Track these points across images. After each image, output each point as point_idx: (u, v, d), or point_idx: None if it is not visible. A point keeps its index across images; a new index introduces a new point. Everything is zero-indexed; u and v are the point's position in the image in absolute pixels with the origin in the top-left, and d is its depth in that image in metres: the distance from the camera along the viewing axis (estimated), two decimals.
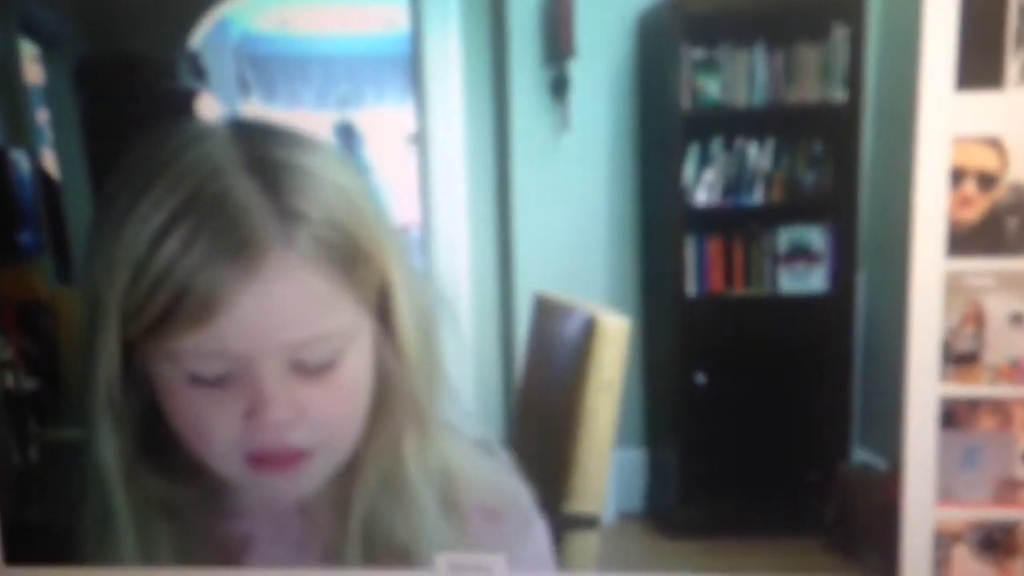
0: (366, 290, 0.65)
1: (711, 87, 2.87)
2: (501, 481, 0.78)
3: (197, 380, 0.65)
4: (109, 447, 0.68)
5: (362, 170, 0.65)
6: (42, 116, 5.76)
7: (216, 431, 0.65)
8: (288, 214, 0.60)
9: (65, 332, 3.13)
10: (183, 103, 6.70)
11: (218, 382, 0.64)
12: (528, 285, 2.89)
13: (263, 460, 0.67)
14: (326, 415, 0.67)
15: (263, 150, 0.64)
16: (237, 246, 0.59)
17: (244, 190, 0.60)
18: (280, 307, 0.61)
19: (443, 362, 0.75)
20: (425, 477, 0.73)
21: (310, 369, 0.64)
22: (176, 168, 0.62)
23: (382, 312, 0.68)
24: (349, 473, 0.74)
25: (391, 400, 0.71)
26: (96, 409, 0.67)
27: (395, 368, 0.70)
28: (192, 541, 0.73)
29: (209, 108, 7.84)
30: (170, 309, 0.60)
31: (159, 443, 0.68)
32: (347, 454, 0.73)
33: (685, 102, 2.86)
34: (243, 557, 0.71)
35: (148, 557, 0.71)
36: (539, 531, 0.84)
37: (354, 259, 0.63)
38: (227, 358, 0.62)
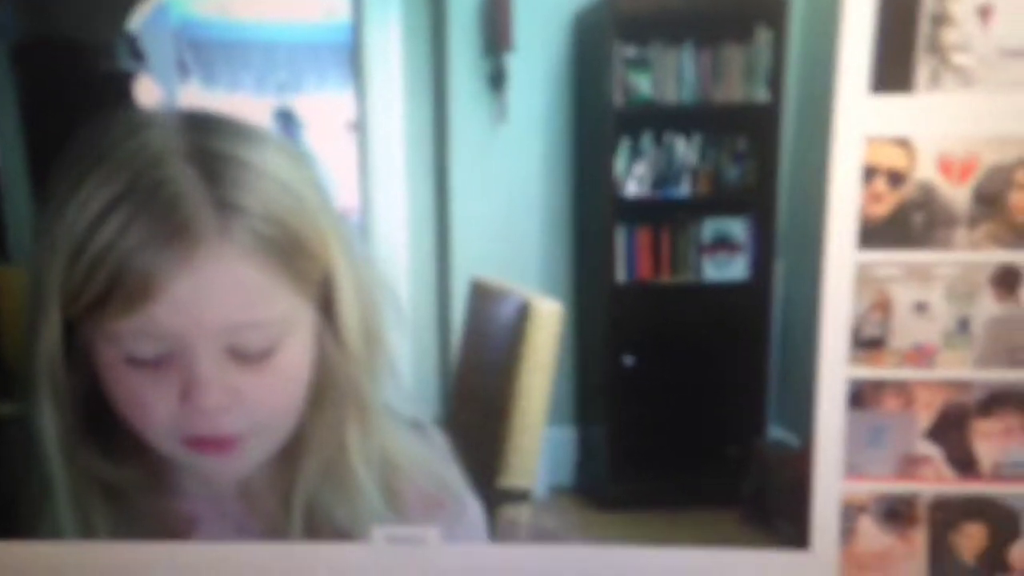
0: (307, 282, 0.65)
1: (643, 84, 2.92)
2: (438, 468, 0.82)
3: (134, 361, 0.64)
4: (50, 423, 0.68)
5: (309, 162, 0.64)
6: None
7: (152, 411, 0.65)
8: (225, 205, 0.61)
9: (4, 308, 3.09)
10: (121, 85, 6.57)
11: (155, 364, 0.64)
12: (465, 270, 2.91)
13: (198, 443, 0.67)
14: (261, 401, 0.66)
15: (205, 141, 0.63)
16: (172, 232, 0.60)
17: (182, 179, 0.61)
18: (214, 293, 0.62)
19: (387, 352, 0.75)
20: (367, 465, 0.73)
21: (246, 356, 0.64)
22: (117, 154, 0.63)
23: (324, 303, 0.68)
24: (290, 458, 0.72)
25: (332, 389, 0.70)
26: (38, 386, 0.68)
27: (337, 359, 0.70)
28: (133, 521, 0.71)
29: (148, 91, 7.68)
30: (107, 291, 0.61)
31: (100, 422, 0.68)
32: (284, 439, 0.71)
33: (618, 98, 2.90)
34: (185, 537, 0.71)
35: (87, 534, 0.69)
36: (474, 514, 0.86)
37: (294, 253, 0.63)
38: (162, 340, 0.63)
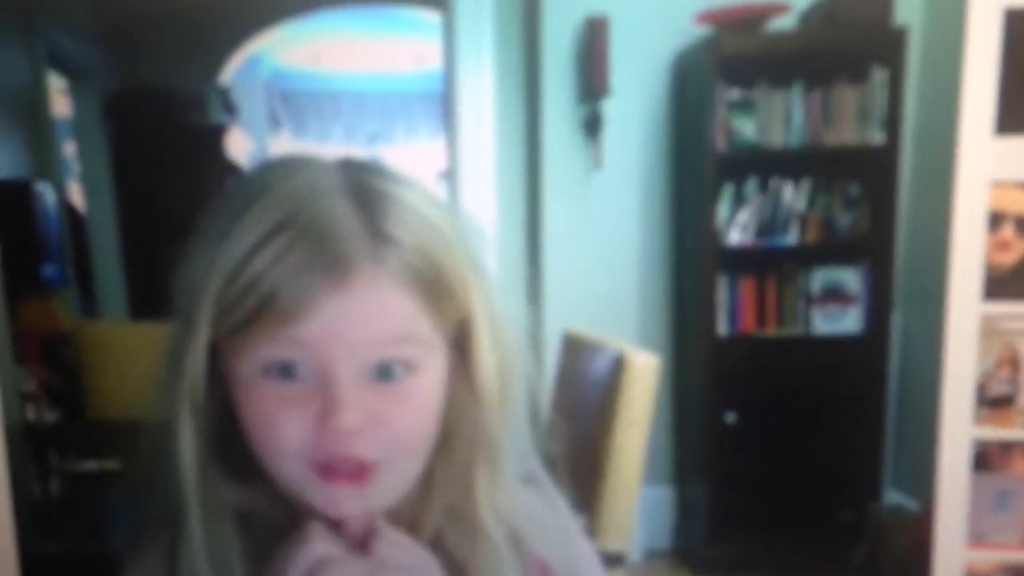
0: (446, 319, 0.70)
1: (746, 127, 2.90)
2: (567, 541, 0.82)
3: (274, 381, 0.68)
4: (188, 444, 0.71)
5: (455, 210, 0.71)
6: (69, 149, 5.83)
7: (286, 432, 0.68)
8: (380, 235, 0.66)
9: (88, 364, 3.19)
10: (213, 138, 6.79)
11: (294, 384, 0.68)
12: (558, 322, 2.90)
13: (331, 469, 0.69)
14: (396, 427, 0.69)
15: (363, 178, 0.70)
16: (329, 257, 0.65)
17: (341, 210, 0.67)
18: (363, 315, 0.67)
19: (518, 406, 0.76)
20: (495, 516, 0.75)
21: (385, 380, 0.68)
22: (280, 188, 0.68)
23: (459, 346, 0.72)
24: (418, 501, 0.75)
25: (462, 434, 0.73)
26: (179, 407, 0.70)
27: (469, 404, 0.73)
28: (261, 555, 0.73)
29: (239, 143, 7.93)
30: (259, 310, 0.66)
31: (234, 449, 0.71)
32: (413, 480, 0.73)
33: (720, 142, 2.89)
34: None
35: (216, 563, 0.72)
36: None
37: (437, 288, 0.68)
38: (308, 359, 0.67)
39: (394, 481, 0.71)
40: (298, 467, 0.69)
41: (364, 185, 0.69)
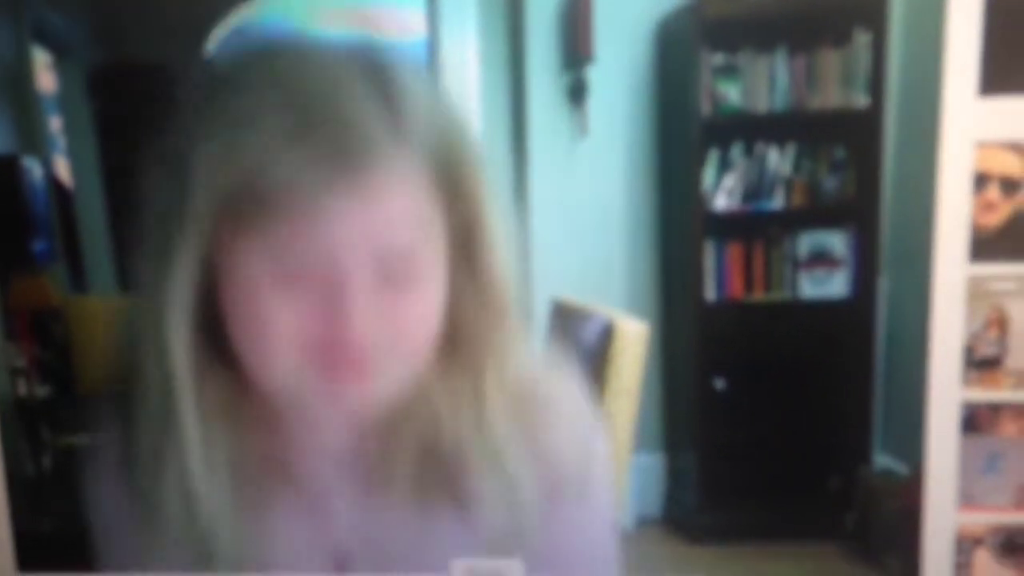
0: (455, 218, 0.69)
1: (731, 92, 2.89)
2: (581, 439, 0.78)
3: (278, 273, 0.64)
4: (182, 343, 0.66)
5: (448, 96, 0.72)
6: (55, 124, 5.79)
7: (284, 325, 0.65)
8: (400, 127, 0.64)
9: (78, 339, 3.16)
10: None
11: (299, 278, 0.64)
12: (545, 290, 2.89)
13: (333, 362, 0.66)
14: (400, 323, 0.67)
15: (381, 70, 0.67)
16: (348, 148, 0.62)
17: (361, 100, 0.63)
18: (380, 209, 0.64)
19: (526, 308, 0.76)
20: (505, 421, 0.72)
21: (393, 279, 0.66)
22: (293, 79, 0.65)
23: (466, 248, 0.71)
24: (416, 405, 0.72)
25: (467, 337, 0.71)
26: (172, 297, 0.66)
27: (473, 306, 0.71)
28: (249, 463, 0.71)
29: None
30: (267, 201, 0.62)
31: (224, 352, 0.68)
32: (413, 374, 0.71)
33: (705, 107, 2.87)
34: (298, 479, 0.73)
35: (210, 467, 0.69)
36: (601, 498, 0.80)
37: (449, 184, 0.67)
38: (319, 249, 0.64)
39: (394, 376, 0.69)
40: (294, 364, 0.66)
41: (382, 75, 0.66)
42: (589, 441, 0.81)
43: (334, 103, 0.63)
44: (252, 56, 0.70)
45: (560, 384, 0.81)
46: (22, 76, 4.83)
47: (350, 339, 0.65)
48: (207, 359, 0.69)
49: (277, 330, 0.65)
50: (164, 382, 0.68)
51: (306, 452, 0.73)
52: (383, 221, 0.65)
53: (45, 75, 5.40)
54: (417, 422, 0.72)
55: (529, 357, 0.77)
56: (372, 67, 0.67)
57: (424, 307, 0.69)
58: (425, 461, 0.72)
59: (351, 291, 0.65)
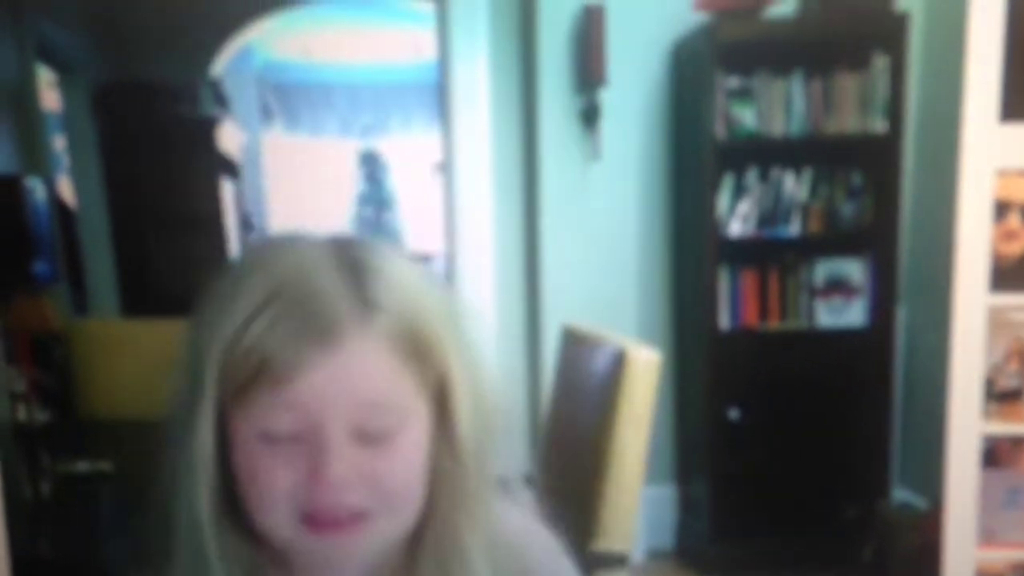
0: (426, 379, 0.77)
1: (746, 116, 2.88)
2: (535, 544, 0.90)
3: (268, 438, 0.74)
4: (204, 500, 0.77)
5: (441, 281, 0.85)
6: (59, 143, 5.79)
7: (278, 486, 0.74)
8: (367, 303, 0.74)
9: (79, 363, 3.16)
10: (204, 131, 6.75)
11: (287, 442, 0.74)
12: (556, 317, 2.89)
13: (321, 522, 0.75)
14: (384, 481, 0.76)
15: (350, 252, 0.77)
16: (318, 326, 0.72)
17: (329, 281, 0.74)
18: (350, 378, 0.73)
19: (495, 455, 0.83)
20: (482, 552, 0.81)
21: (371, 437, 0.74)
22: (271, 265, 0.76)
23: (440, 406, 0.78)
24: (408, 555, 0.82)
25: (443, 489, 0.80)
26: (194, 466, 0.76)
27: (448, 460, 0.79)
28: None
29: (231, 135, 7.90)
30: (256, 374, 0.73)
31: (232, 504, 0.78)
32: (404, 528, 0.80)
33: (719, 131, 2.87)
34: None
35: None
36: None
37: (418, 351, 0.75)
38: (299, 418, 0.73)
39: (383, 531, 0.77)
40: (289, 521, 0.74)
41: (351, 257, 0.76)
42: None
43: (307, 285, 0.73)
44: (247, 252, 0.87)
45: (534, 532, 0.91)
46: (26, 95, 4.87)
47: (333, 499, 0.73)
48: (229, 513, 0.78)
49: (271, 490, 0.74)
50: (193, 534, 0.77)
51: None
52: (354, 386, 0.73)
53: (49, 93, 5.45)
54: (420, 570, 0.81)
55: (502, 508, 0.86)
56: (345, 252, 0.76)
57: (404, 462, 0.76)
58: None
59: (329, 452, 0.73)
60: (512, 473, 0.92)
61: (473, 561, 0.81)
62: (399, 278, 0.77)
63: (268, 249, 0.80)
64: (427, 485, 0.79)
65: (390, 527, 0.77)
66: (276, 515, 0.75)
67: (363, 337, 0.73)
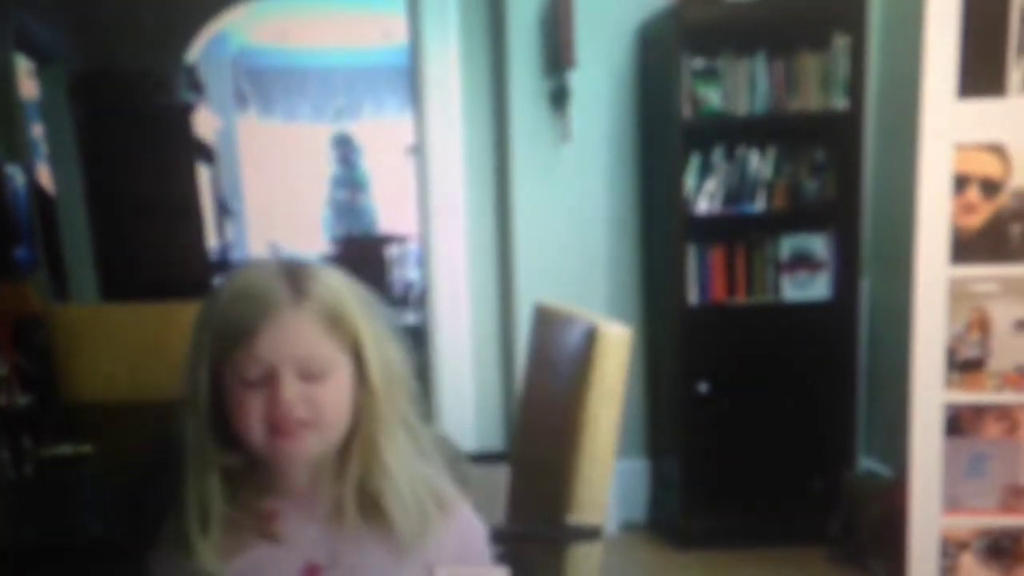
0: (344, 342, 1.13)
1: (712, 96, 2.88)
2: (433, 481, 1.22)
3: (245, 383, 1.10)
4: (192, 431, 1.13)
5: (358, 285, 1.20)
6: (37, 131, 5.73)
7: (252, 413, 1.10)
8: (300, 292, 1.11)
9: (60, 348, 3.13)
10: (180, 117, 6.69)
11: (258, 386, 1.10)
12: (528, 295, 2.88)
13: (277, 430, 1.10)
14: (319, 403, 1.11)
15: (292, 266, 1.14)
16: (270, 306, 1.09)
17: (277, 282, 1.11)
18: (290, 338, 1.10)
19: (405, 391, 1.19)
20: (398, 462, 1.16)
21: (310, 376, 1.11)
22: (243, 275, 1.15)
23: (358, 359, 1.14)
24: (342, 461, 1.16)
25: (364, 415, 1.15)
26: (190, 405, 1.12)
27: (365, 397, 1.14)
28: (236, 506, 1.14)
29: (206, 121, 7.82)
30: (235, 341, 1.09)
31: (226, 434, 1.13)
32: (335, 439, 1.14)
33: (686, 111, 2.86)
34: (271, 524, 1.15)
35: (203, 505, 1.13)
36: (465, 518, 1.23)
37: (336, 323, 1.12)
38: (262, 366, 1.09)
39: (322, 439, 1.12)
40: (260, 433, 1.10)
41: (292, 269, 1.12)
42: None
43: (262, 285, 1.10)
44: (229, 273, 1.24)
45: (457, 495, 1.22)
46: (5, 83, 4.79)
47: (286, 413, 1.09)
48: (226, 442, 1.12)
49: (249, 414, 1.10)
50: (198, 445, 1.12)
51: (285, 495, 1.16)
52: (293, 344, 1.10)
53: (27, 82, 5.38)
54: (349, 470, 1.15)
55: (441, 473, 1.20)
56: (288, 266, 1.13)
57: (333, 392, 1.12)
58: (361, 498, 1.15)
59: (282, 384, 1.09)
60: (461, 450, 1.33)
61: (390, 465, 1.15)
62: (324, 279, 1.13)
63: (241, 268, 1.19)
64: (352, 413, 1.14)
65: (326, 436, 1.13)
66: (252, 429, 1.10)
67: (298, 311, 1.10)
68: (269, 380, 1.09)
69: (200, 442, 1.13)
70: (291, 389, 1.09)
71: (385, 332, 1.18)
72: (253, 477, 1.16)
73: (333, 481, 1.16)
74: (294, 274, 1.12)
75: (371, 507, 1.15)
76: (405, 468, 1.17)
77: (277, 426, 1.10)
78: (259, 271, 1.14)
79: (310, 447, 1.12)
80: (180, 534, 1.14)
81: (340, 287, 1.15)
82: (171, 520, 1.18)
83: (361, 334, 1.14)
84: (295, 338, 1.10)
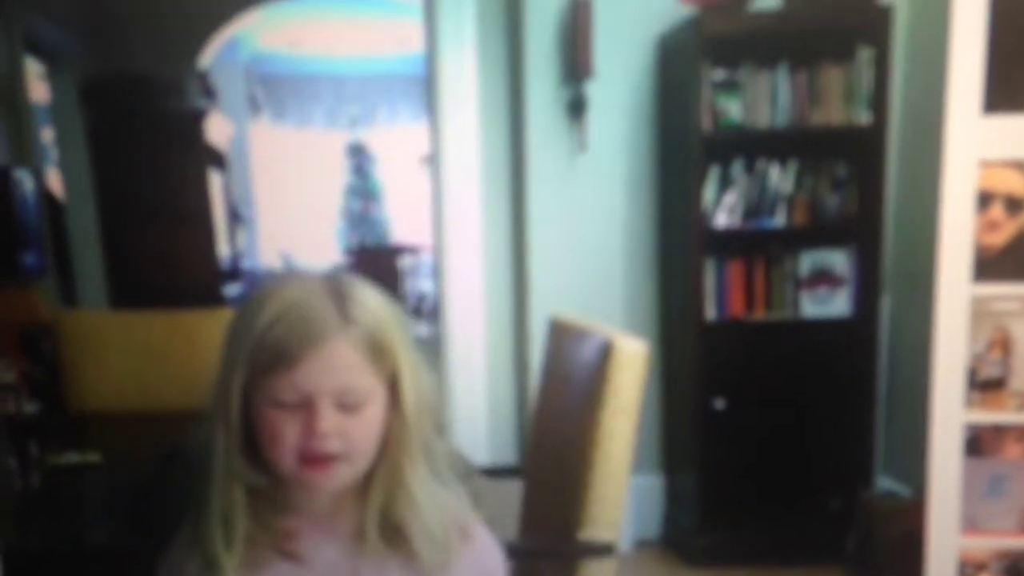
0: (383, 372, 1.12)
1: (732, 108, 2.89)
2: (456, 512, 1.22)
3: (279, 405, 1.09)
4: (222, 446, 1.12)
5: (397, 307, 1.20)
6: (47, 135, 5.77)
7: (284, 438, 1.09)
8: (347, 319, 1.09)
9: (68, 355, 3.14)
10: (192, 123, 6.73)
11: (291, 409, 1.09)
12: (543, 308, 2.88)
13: (310, 460, 1.10)
14: (352, 436, 1.11)
15: (335, 284, 1.14)
16: (314, 332, 1.08)
17: (322, 304, 1.09)
18: (334, 368, 1.09)
19: (434, 424, 1.19)
20: (423, 491, 1.17)
21: (346, 407, 1.10)
22: (284, 291, 1.12)
23: (393, 390, 1.13)
24: (365, 485, 1.16)
25: (394, 443, 1.15)
26: (219, 421, 1.12)
27: (398, 426, 1.14)
28: (259, 524, 1.14)
29: (218, 127, 7.88)
30: (272, 364, 1.08)
31: (252, 450, 1.12)
32: (362, 471, 1.14)
33: (706, 123, 2.87)
34: (292, 542, 1.15)
35: (227, 520, 1.13)
36: (483, 544, 1.25)
37: (378, 352, 1.11)
38: (300, 393, 1.08)
39: (349, 469, 1.12)
40: (290, 459, 1.09)
41: (336, 288, 1.12)
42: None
43: (306, 306, 1.08)
44: (265, 285, 1.18)
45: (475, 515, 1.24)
46: (15, 86, 4.83)
47: (319, 445, 1.08)
48: (251, 459, 1.12)
49: (281, 441, 1.09)
50: (226, 463, 1.11)
51: (306, 515, 1.16)
52: (336, 372, 1.08)
53: (38, 86, 5.42)
54: (373, 496, 1.15)
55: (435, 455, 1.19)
56: (331, 284, 1.13)
57: (366, 426, 1.11)
58: (383, 524, 1.15)
59: (319, 415, 1.08)
60: (473, 465, 1.32)
61: (415, 493, 1.15)
62: (368, 302, 1.12)
63: (280, 282, 1.17)
64: (381, 441, 1.14)
65: (353, 468, 1.13)
66: (284, 457, 1.09)
67: (342, 341, 1.08)
68: (304, 407, 1.09)
69: (229, 458, 1.12)
70: (328, 422, 1.08)
71: (419, 359, 1.17)
72: (274, 494, 1.16)
73: (355, 504, 1.16)
74: (339, 295, 1.10)
75: (393, 532, 1.16)
76: (428, 495, 1.17)
77: (309, 457, 1.10)
78: (303, 290, 1.12)
79: (341, 477, 1.12)
80: (201, 547, 1.14)
81: (381, 311, 1.13)
82: (186, 530, 1.18)
83: (400, 364, 1.13)
84: (337, 370, 1.09)
